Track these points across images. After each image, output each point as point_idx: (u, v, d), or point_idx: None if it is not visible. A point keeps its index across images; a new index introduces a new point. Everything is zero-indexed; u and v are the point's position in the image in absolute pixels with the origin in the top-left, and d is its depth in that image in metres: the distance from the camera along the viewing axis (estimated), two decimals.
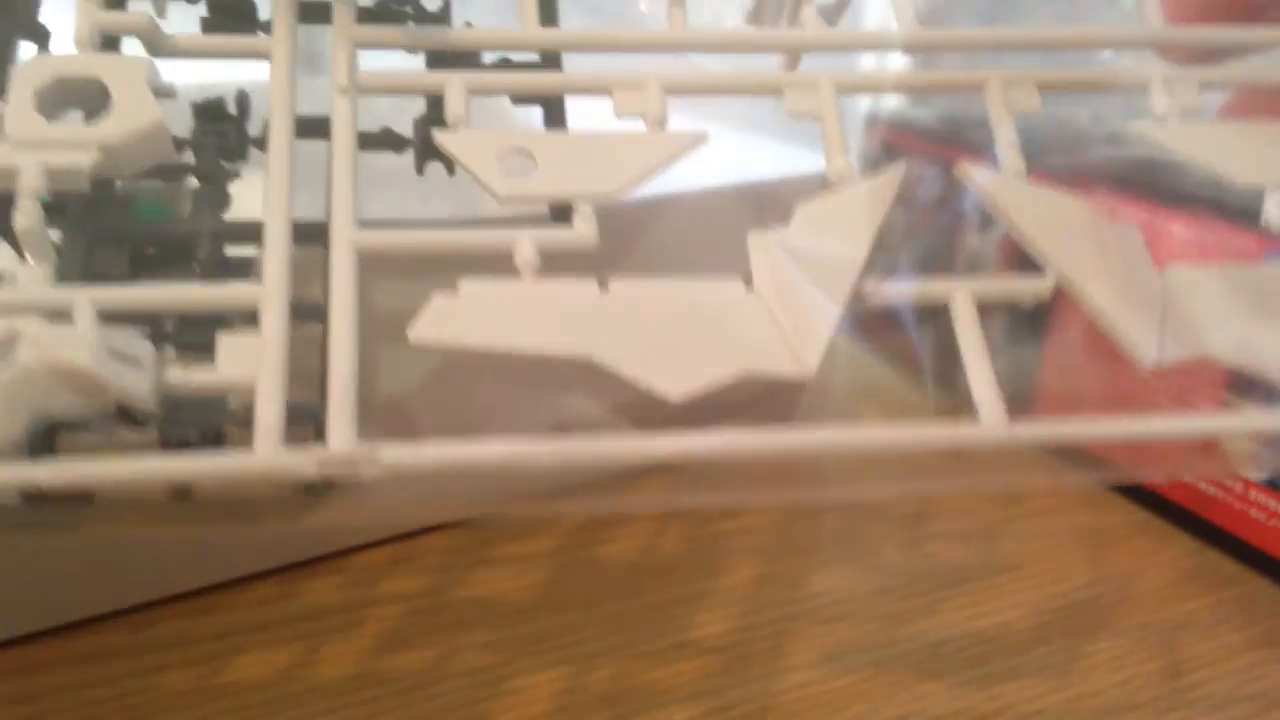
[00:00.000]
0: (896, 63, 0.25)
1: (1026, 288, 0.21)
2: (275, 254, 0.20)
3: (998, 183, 0.22)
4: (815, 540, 0.34)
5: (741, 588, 0.32)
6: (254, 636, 0.29)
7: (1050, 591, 0.32)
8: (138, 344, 0.18)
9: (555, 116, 0.23)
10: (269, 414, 0.18)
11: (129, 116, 0.20)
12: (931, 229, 0.23)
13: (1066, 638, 0.30)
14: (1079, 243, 0.21)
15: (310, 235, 0.21)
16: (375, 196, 0.22)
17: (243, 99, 0.23)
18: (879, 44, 0.24)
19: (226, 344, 0.19)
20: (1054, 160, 0.34)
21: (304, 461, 0.18)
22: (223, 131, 0.22)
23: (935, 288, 0.21)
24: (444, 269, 0.21)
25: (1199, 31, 0.25)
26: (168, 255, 0.21)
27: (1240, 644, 0.30)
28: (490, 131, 0.22)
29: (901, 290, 0.21)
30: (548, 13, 0.25)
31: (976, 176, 0.22)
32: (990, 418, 0.20)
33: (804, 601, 0.31)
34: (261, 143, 0.22)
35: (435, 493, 0.22)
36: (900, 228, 0.23)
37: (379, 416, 0.22)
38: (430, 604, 0.31)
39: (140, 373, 0.18)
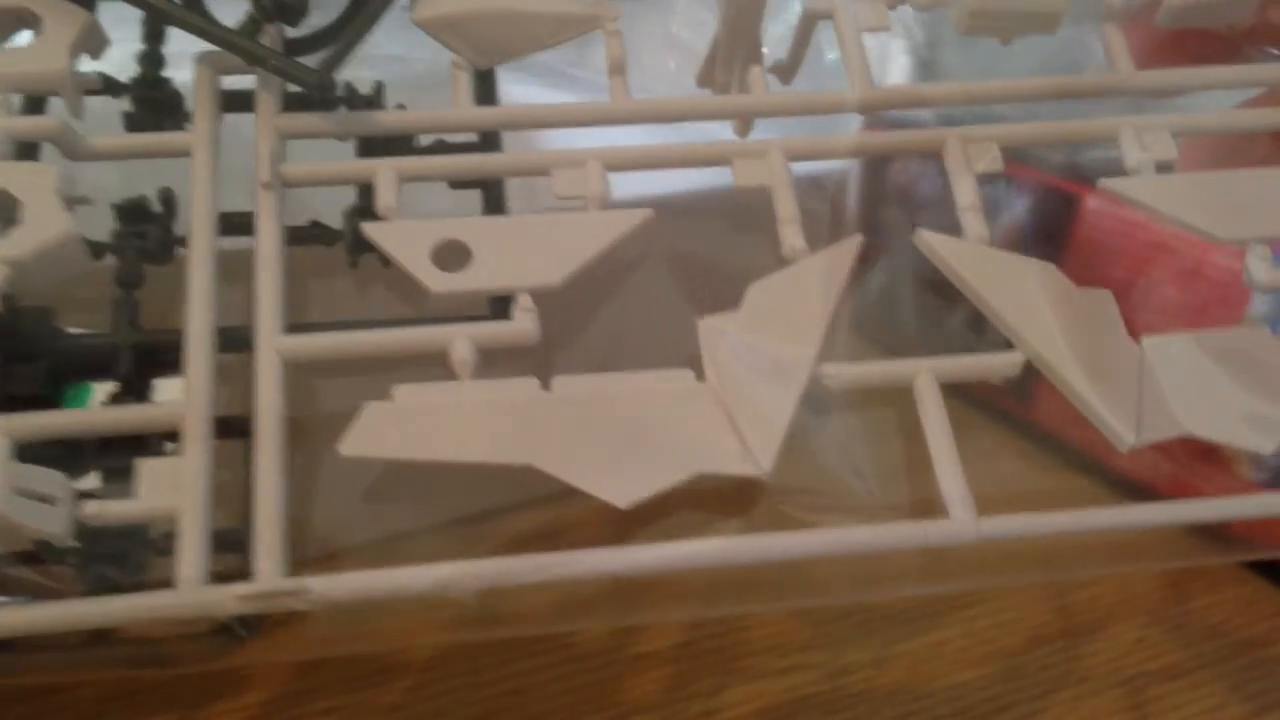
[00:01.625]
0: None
1: (994, 365, 0.20)
2: (197, 370, 0.19)
3: (959, 252, 0.21)
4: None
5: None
6: None
7: (1050, 592, 0.31)
8: (51, 480, 0.17)
9: (494, 200, 0.22)
10: (190, 548, 0.17)
11: (38, 229, 0.19)
12: (931, 229, 0.22)
13: (1066, 638, 0.29)
14: (1048, 315, 0.20)
15: (236, 342, 0.20)
16: None
17: (168, 197, 0.22)
18: (831, 106, 0.23)
19: (146, 470, 0.18)
20: (1056, 159, 0.33)
21: (226, 599, 0.17)
22: (143, 233, 0.21)
23: (897, 368, 0.20)
24: (390, 365, 0.20)
25: (1167, 75, 0.23)
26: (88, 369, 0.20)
27: (1240, 644, 0.29)
28: (422, 222, 0.21)
29: (861, 373, 0.20)
30: (486, 90, 0.24)
31: (936, 246, 0.21)
32: (960, 515, 0.19)
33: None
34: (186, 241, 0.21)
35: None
36: (901, 229, 0.22)
37: (326, 520, 0.21)
38: None
39: (55, 510, 0.17)
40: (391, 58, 0.28)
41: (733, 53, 0.24)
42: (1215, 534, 0.25)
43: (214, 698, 0.26)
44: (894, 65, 0.34)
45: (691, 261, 0.25)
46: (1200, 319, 0.27)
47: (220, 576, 0.18)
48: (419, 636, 0.25)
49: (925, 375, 0.20)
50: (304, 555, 0.21)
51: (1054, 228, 0.32)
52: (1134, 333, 0.21)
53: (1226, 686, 0.28)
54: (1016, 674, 0.28)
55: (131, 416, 0.19)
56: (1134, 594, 0.31)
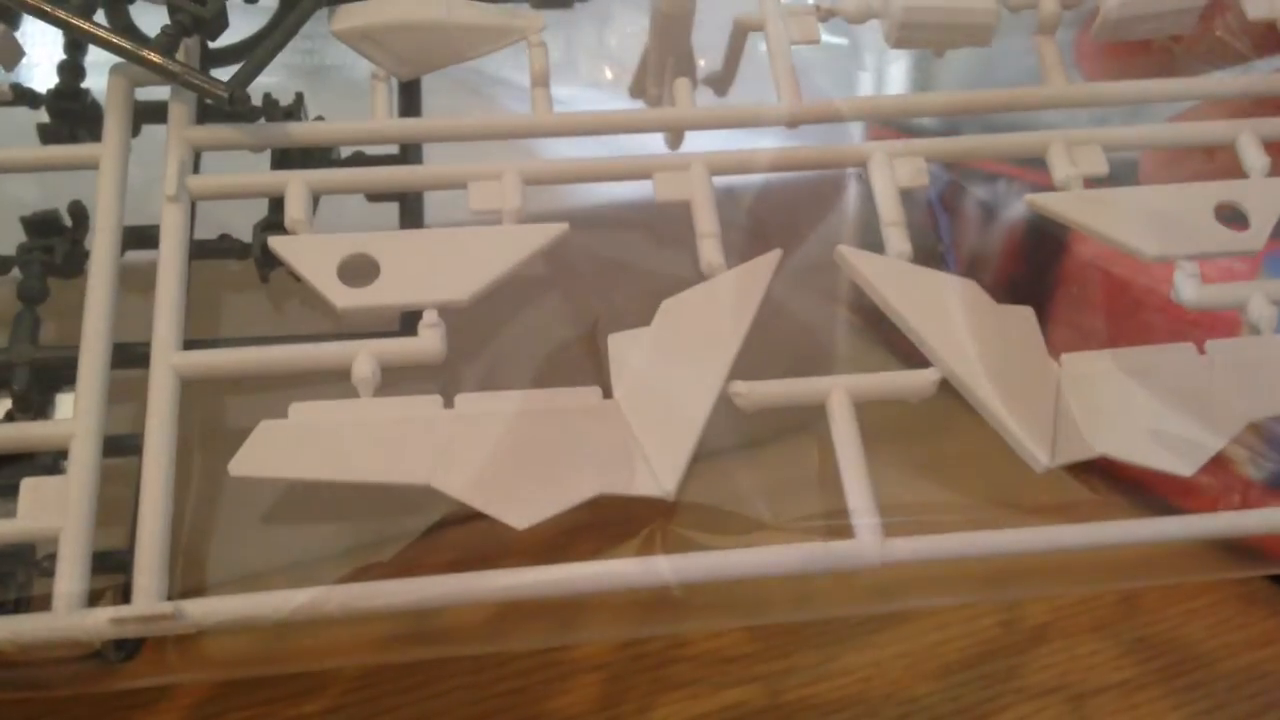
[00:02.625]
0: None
1: (909, 383, 0.20)
2: (89, 389, 0.19)
3: (877, 268, 0.20)
4: None
5: None
6: None
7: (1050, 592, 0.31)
8: None
9: (411, 214, 0.22)
10: (70, 569, 0.17)
11: None
12: (931, 229, 0.22)
13: (1066, 638, 0.29)
14: (965, 332, 0.20)
15: (133, 359, 0.19)
16: None
17: (77, 210, 0.22)
18: (756, 120, 0.22)
19: (30, 489, 0.18)
20: None
21: (99, 623, 0.17)
22: (50, 247, 0.21)
23: (809, 386, 0.20)
24: (299, 381, 0.20)
25: (1101, 88, 0.23)
26: None
27: (1240, 644, 0.29)
28: (330, 237, 0.20)
29: (772, 391, 0.19)
30: (410, 102, 0.23)
31: (854, 261, 0.20)
32: (865, 536, 0.18)
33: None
34: None
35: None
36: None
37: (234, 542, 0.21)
38: None
39: None
40: (330, 68, 0.28)
41: (663, 63, 0.24)
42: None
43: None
44: (893, 68, 0.34)
45: (612, 276, 0.24)
46: (1197, 323, 0.26)
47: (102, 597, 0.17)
48: (343, 657, 0.24)
49: (839, 394, 0.19)
50: (211, 579, 0.21)
51: (1051, 233, 0.31)
52: (1129, 342, 0.20)
53: (1228, 686, 0.28)
54: (1017, 674, 0.28)
55: (18, 434, 0.18)
56: (1134, 595, 0.31)
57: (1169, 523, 0.19)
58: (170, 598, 0.17)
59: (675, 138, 0.24)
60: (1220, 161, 0.23)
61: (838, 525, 0.18)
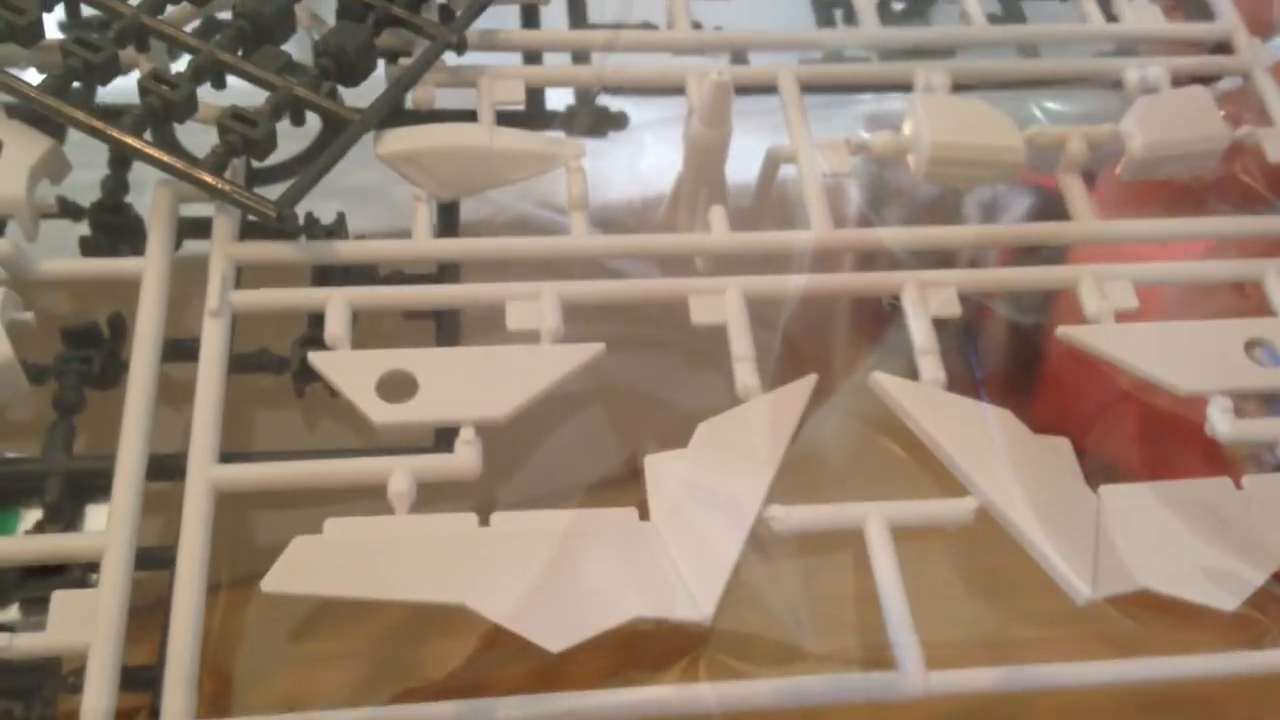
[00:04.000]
0: None
1: (947, 512, 0.20)
2: (122, 500, 0.18)
3: (913, 394, 0.21)
4: None
5: None
6: None
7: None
8: None
9: (448, 332, 0.22)
10: (99, 686, 0.17)
11: None
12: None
13: (1067, 639, 0.28)
14: (1003, 460, 0.20)
15: (168, 470, 0.19)
16: None
17: (116, 321, 0.22)
18: (791, 247, 0.23)
19: (60, 602, 0.17)
20: None
21: None
22: (89, 358, 0.21)
23: (846, 512, 0.19)
24: (332, 497, 0.20)
25: (1126, 225, 0.23)
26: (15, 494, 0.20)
27: (1240, 644, 0.28)
28: (369, 353, 0.20)
29: (810, 516, 0.19)
30: (448, 222, 0.24)
31: (890, 388, 0.21)
32: (907, 666, 0.18)
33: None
34: None
35: None
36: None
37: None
38: None
39: None
40: (362, 189, 0.28)
41: (696, 193, 0.24)
42: None
43: None
44: None
45: (645, 397, 0.24)
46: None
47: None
48: None
49: (876, 521, 0.19)
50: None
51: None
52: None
53: (1229, 687, 0.26)
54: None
55: (52, 546, 0.18)
56: (1134, 595, 0.30)
57: (1215, 660, 0.18)
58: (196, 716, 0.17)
59: (707, 264, 0.24)
60: (1239, 298, 0.24)
61: (878, 654, 0.18)
